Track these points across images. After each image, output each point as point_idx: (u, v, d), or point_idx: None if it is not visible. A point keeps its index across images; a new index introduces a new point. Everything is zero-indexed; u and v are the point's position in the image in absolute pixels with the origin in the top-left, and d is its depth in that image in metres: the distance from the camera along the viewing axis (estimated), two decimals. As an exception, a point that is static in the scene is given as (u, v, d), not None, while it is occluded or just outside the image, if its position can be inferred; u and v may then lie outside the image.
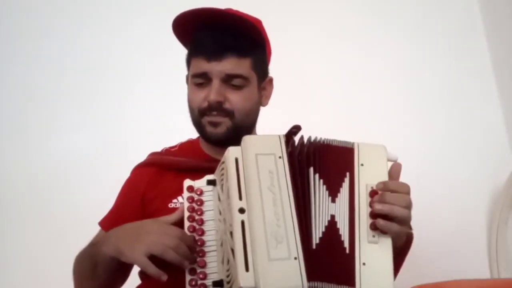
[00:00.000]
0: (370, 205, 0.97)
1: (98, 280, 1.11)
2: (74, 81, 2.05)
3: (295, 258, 0.87)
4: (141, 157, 1.34)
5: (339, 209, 0.97)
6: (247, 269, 0.86)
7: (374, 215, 0.96)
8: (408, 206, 0.97)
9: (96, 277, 1.10)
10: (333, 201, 0.98)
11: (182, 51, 1.27)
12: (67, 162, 1.97)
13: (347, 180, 1.00)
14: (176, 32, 1.23)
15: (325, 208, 0.97)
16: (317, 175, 0.99)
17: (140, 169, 1.30)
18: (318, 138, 1.04)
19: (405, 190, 0.98)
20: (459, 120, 2.20)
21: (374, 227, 0.95)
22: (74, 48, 2.07)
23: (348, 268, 0.92)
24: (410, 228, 1.04)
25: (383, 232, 0.95)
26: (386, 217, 0.94)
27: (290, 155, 0.99)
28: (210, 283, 0.96)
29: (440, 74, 2.23)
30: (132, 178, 1.30)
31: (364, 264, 0.92)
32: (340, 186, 0.99)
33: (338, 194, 0.99)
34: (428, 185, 2.00)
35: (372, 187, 0.98)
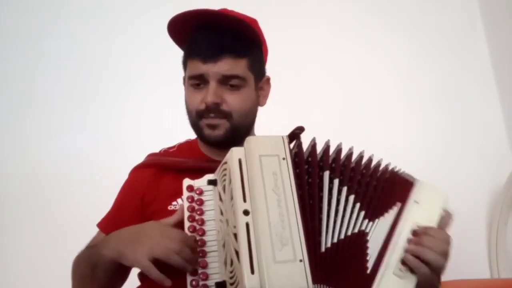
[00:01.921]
0: (409, 242, 0.98)
1: (97, 282, 1.10)
2: (74, 81, 2.05)
3: (301, 261, 0.87)
4: (141, 157, 1.33)
5: (376, 230, 0.99)
6: (252, 271, 0.85)
7: (408, 252, 0.97)
8: (443, 254, 0.97)
9: (95, 279, 1.09)
10: (370, 219, 1.00)
11: (182, 51, 1.27)
12: (67, 162, 1.96)
13: (395, 209, 1.02)
14: (171, 34, 1.22)
15: (351, 218, 0.98)
16: (336, 180, 1.00)
17: (139, 170, 1.29)
18: (385, 164, 1.08)
19: (444, 238, 0.99)
20: (459, 120, 2.20)
21: (404, 262, 0.96)
22: (74, 48, 2.07)
23: (363, 287, 0.93)
24: (439, 281, 1.03)
25: (411, 270, 0.95)
26: (419, 258, 0.95)
27: (296, 156, 0.98)
28: (213, 284, 0.96)
29: (440, 74, 2.23)
30: (131, 180, 1.29)
31: None
32: (386, 211, 1.02)
33: (381, 217, 1.01)
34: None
35: (417, 226, 1.00)
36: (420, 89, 2.21)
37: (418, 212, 1.02)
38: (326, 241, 0.94)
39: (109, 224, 1.22)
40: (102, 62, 2.06)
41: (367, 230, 0.99)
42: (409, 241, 0.98)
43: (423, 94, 2.20)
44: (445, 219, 1.04)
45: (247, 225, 0.89)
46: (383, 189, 1.05)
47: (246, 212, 0.90)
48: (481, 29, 2.31)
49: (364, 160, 1.07)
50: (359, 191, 1.01)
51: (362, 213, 1.00)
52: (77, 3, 2.12)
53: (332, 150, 1.05)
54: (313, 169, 0.99)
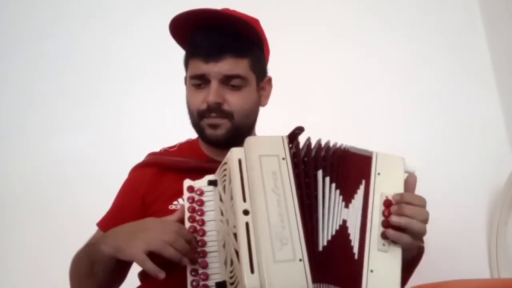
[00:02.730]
0: (383, 214, 0.98)
1: (96, 279, 1.11)
2: (74, 81, 2.05)
3: (300, 260, 0.87)
4: (141, 157, 1.34)
5: (352, 215, 0.98)
6: (252, 271, 0.85)
7: (386, 224, 0.96)
8: (425, 221, 0.97)
9: (94, 276, 1.10)
10: (347, 206, 0.99)
11: (183, 51, 1.27)
12: (67, 162, 1.97)
13: (362, 187, 1.01)
14: (173, 33, 1.23)
15: (337, 212, 0.97)
16: (327, 178, 0.99)
17: (139, 169, 1.29)
18: (339, 144, 1.05)
19: (422, 203, 0.98)
20: (459, 120, 2.20)
21: (385, 236, 0.95)
22: (74, 48, 2.07)
23: (355, 274, 0.92)
24: (422, 241, 1.04)
25: (393, 241, 0.95)
26: (398, 228, 0.95)
27: (294, 156, 0.98)
28: (213, 284, 0.96)
29: (440, 74, 2.23)
30: (132, 179, 1.29)
31: (372, 271, 0.93)
32: (355, 192, 1.00)
33: (352, 200, 0.99)
34: (428, 185, 2.00)
35: (386, 197, 0.99)
36: (420, 89, 2.21)
37: (383, 183, 1.01)
38: (323, 239, 0.94)
39: (108, 223, 1.22)
40: (102, 62, 2.06)
41: (346, 218, 0.98)
42: (383, 213, 0.97)
43: (423, 94, 2.20)
44: (410, 179, 1.02)
45: (247, 225, 0.89)
46: (350, 172, 1.03)
47: (246, 212, 0.90)
48: (481, 29, 2.31)
49: (330, 146, 1.05)
50: (341, 184, 1.01)
51: (343, 204, 0.99)
52: (77, 3, 2.12)
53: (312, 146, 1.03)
54: (309, 169, 0.99)
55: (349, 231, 0.96)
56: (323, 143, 1.05)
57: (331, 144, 1.05)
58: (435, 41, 2.25)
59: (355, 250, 0.95)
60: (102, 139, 1.99)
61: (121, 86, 2.05)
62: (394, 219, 0.95)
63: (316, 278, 0.88)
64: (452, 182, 2.06)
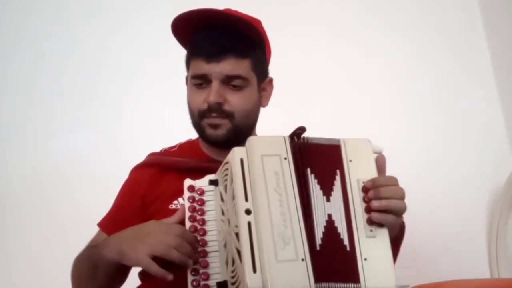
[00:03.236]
0: (364, 200, 0.97)
1: (97, 282, 1.11)
2: (74, 81, 2.05)
3: (302, 260, 0.88)
4: (141, 157, 1.33)
5: (335, 207, 0.97)
6: (254, 271, 0.85)
7: (369, 210, 0.96)
8: (403, 197, 0.98)
9: (95, 279, 1.10)
10: (328, 200, 0.97)
11: (183, 51, 1.27)
12: (67, 162, 1.97)
13: (338, 177, 1.00)
14: (175, 33, 1.23)
15: (322, 208, 0.97)
16: (312, 175, 0.99)
17: (139, 169, 1.29)
18: (306, 138, 1.03)
19: (395, 183, 0.99)
20: (459, 120, 2.20)
21: (370, 222, 0.96)
22: (74, 48, 2.07)
23: (351, 265, 0.93)
24: (402, 218, 1.05)
25: (379, 225, 0.96)
26: (380, 210, 0.95)
27: (294, 156, 0.98)
28: (214, 284, 0.96)
29: (440, 74, 2.23)
30: (132, 179, 1.29)
31: (365, 259, 0.93)
32: (333, 184, 0.99)
33: (332, 193, 0.98)
34: (428, 185, 2.00)
35: (363, 182, 0.99)
36: (420, 89, 2.21)
37: (357, 168, 1.00)
38: (318, 238, 0.94)
39: (109, 223, 1.22)
40: (102, 62, 2.06)
41: (330, 212, 0.97)
42: (364, 199, 0.97)
43: (423, 94, 2.20)
44: (379, 160, 1.02)
45: (249, 224, 0.89)
46: (324, 164, 1.01)
47: (248, 212, 0.90)
48: (481, 29, 2.31)
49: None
50: (321, 178, 0.99)
51: (324, 198, 0.98)
52: (77, 3, 2.12)
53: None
54: (304, 168, 0.98)
55: (336, 224, 0.96)
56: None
57: (303, 140, 1.03)
58: (435, 41, 2.25)
59: (346, 242, 0.95)
60: (102, 139, 1.99)
61: (121, 86, 2.05)
62: (374, 204, 0.95)
63: (318, 278, 0.88)
64: (452, 182, 2.06)
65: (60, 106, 2.03)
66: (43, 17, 2.09)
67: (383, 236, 0.95)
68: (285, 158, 0.97)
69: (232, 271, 0.92)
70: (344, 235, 0.95)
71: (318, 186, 0.98)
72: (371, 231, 0.95)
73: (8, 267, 1.86)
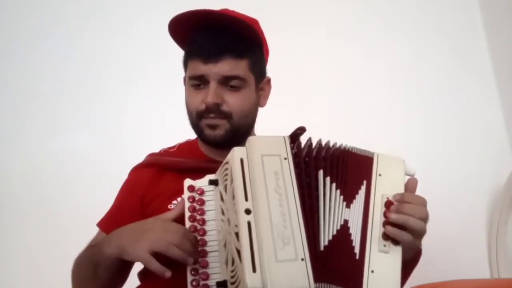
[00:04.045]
0: (385, 215, 0.98)
1: (99, 281, 1.11)
2: (75, 81, 2.05)
3: (302, 260, 0.88)
4: (141, 157, 1.34)
5: (353, 215, 0.99)
6: (254, 270, 0.86)
7: (387, 224, 0.97)
8: (424, 219, 0.98)
9: (97, 278, 1.10)
10: (348, 206, 0.99)
11: (182, 51, 1.27)
12: (67, 162, 1.97)
13: (363, 188, 1.02)
14: (172, 34, 1.23)
15: (338, 212, 0.98)
16: (328, 178, 1.00)
17: (139, 170, 1.29)
18: (339, 144, 1.06)
19: (421, 203, 0.99)
20: (459, 120, 2.20)
21: (386, 237, 0.96)
22: (75, 48, 2.07)
23: (357, 274, 0.93)
24: (421, 243, 1.05)
25: (394, 240, 0.96)
26: (399, 226, 0.96)
27: (296, 156, 0.99)
28: (213, 284, 0.96)
29: (440, 74, 2.23)
30: (131, 179, 1.29)
31: (372, 271, 0.93)
32: (356, 193, 1.01)
33: (354, 201, 1.00)
34: (428, 185, 2.00)
35: (387, 198, 1.00)
36: (420, 89, 2.21)
37: (384, 184, 1.02)
38: (324, 239, 0.95)
39: (108, 224, 1.22)
40: (102, 62, 2.06)
41: (348, 218, 0.98)
42: (385, 214, 0.98)
43: (423, 94, 2.20)
44: (411, 182, 1.04)
45: (249, 224, 0.89)
46: (351, 172, 1.03)
47: (248, 211, 0.90)
48: (481, 29, 2.31)
49: (329, 146, 1.06)
50: (342, 184, 1.01)
51: (344, 204, 1.00)
52: (77, 3, 2.12)
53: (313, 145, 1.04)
54: (310, 169, 1.00)
55: (351, 231, 0.97)
56: (323, 143, 1.05)
57: (331, 144, 1.06)
58: (435, 41, 2.25)
59: (356, 250, 0.95)
60: (102, 139, 1.99)
61: (121, 86, 2.05)
62: (392, 216, 0.96)
63: (317, 278, 0.88)
64: (452, 182, 2.06)
65: (60, 106, 2.03)
66: (43, 17, 2.09)
67: (395, 254, 0.96)
68: (285, 158, 0.97)
69: (232, 271, 0.92)
70: (356, 243, 0.96)
71: (338, 191, 0.99)
72: (384, 246, 0.96)
73: (8, 267, 1.86)
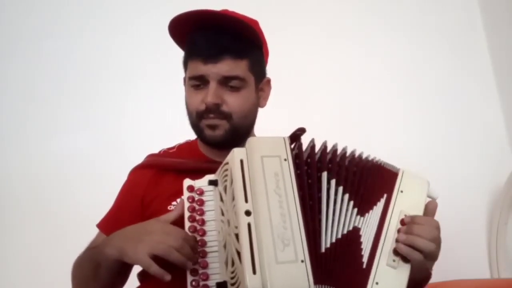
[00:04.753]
0: (399, 231, 0.99)
1: (99, 282, 1.10)
2: (75, 81, 2.05)
3: (302, 261, 0.87)
4: (141, 157, 1.33)
5: (367, 224, 0.99)
6: (254, 272, 0.85)
7: (400, 242, 0.97)
8: (434, 240, 0.98)
9: (98, 279, 1.09)
10: (361, 214, 1.00)
11: (182, 51, 1.26)
12: (67, 162, 1.97)
13: (382, 201, 1.03)
14: (172, 34, 1.22)
15: (346, 216, 0.98)
16: (333, 181, 1.00)
17: (138, 171, 1.29)
18: (366, 155, 1.08)
19: (433, 225, 0.99)
20: (459, 120, 2.21)
21: (396, 253, 0.96)
22: (75, 48, 2.07)
23: (360, 282, 0.93)
24: (431, 268, 1.05)
25: (404, 258, 0.96)
26: (411, 247, 0.96)
27: (297, 157, 0.99)
28: (213, 284, 0.96)
29: (440, 74, 2.24)
30: (131, 180, 1.29)
31: (377, 283, 0.94)
32: (374, 204, 1.02)
33: (370, 211, 1.01)
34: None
35: (405, 215, 1.00)
36: (420, 89, 2.21)
37: (404, 201, 1.03)
38: (326, 241, 0.94)
39: (108, 225, 1.21)
40: (102, 62, 2.06)
41: (360, 226, 0.99)
42: (399, 230, 0.99)
43: (423, 94, 2.20)
44: (431, 204, 1.04)
45: (249, 225, 0.89)
46: (371, 183, 1.05)
47: (247, 213, 0.90)
48: (481, 29, 2.31)
49: (349, 154, 1.07)
50: (352, 189, 1.02)
51: (355, 211, 1.00)
52: (77, 3, 2.12)
53: (328, 150, 1.05)
54: (312, 170, 1.00)
55: (362, 239, 0.98)
56: (329, 146, 1.05)
57: (363, 156, 1.08)
58: (435, 41, 2.25)
59: (364, 259, 0.96)
60: (102, 139, 1.99)
61: (121, 86, 2.05)
62: (401, 237, 0.97)
63: (317, 280, 0.88)
64: (452, 182, 2.06)
65: (60, 106, 2.03)
66: (43, 17, 2.09)
67: (403, 271, 0.96)
68: (285, 159, 0.97)
69: (232, 272, 0.91)
70: (365, 252, 0.96)
71: (346, 195, 1.00)
72: (393, 261, 0.96)
73: (8, 267, 1.86)
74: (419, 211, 1.02)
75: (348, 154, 1.07)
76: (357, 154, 1.08)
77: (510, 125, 2.22)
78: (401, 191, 1.04)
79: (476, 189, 2.12)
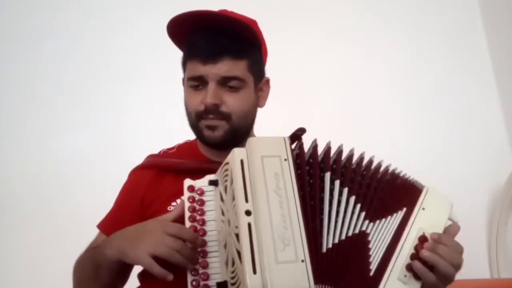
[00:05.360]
0: (415, 247, 0.98)
1: (100, 282, 1.10)
2: (74, 81, 2.05)
3: (302, 261, 0.87)
4: (141, 157, 1.33)
5: (378, 232, 0.99)
6: (254, 272, 0.85)
7: (414, 258, 0.97)
8: (456, 266, 0.97)
9: (98, 279, 1.09)
10: (371, 219, 0.99)
11: (182, 52, 1.27)
12: (67, 162, 1.97)
13: (401, 213, 1.02)
14: (171, 35, 1.22)
15: (352, 219, 0.98)
16: (337, 182, 1.00)
17: (138, 171, 1.28)
18: (392, 168, 1.08)
19: (458, 249, 0.98)
20: (459, 120, 2.21)
21: (409, 268, 0.96)
22: (74, 48, 2.07)
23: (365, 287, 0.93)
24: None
25: (416, 275, 0.95)
26: (426, 264, 0.95)
27: (298, 157, 0.99)
28: (214, 284, 0.96)
29: (440, 74, 2.24)
30: (131, 181, 1.29)
31: None
32: (389, 213, 1.02)
33: (383, 219, 1.01)
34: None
35: (423, 232, 1.00)
36: (420, 89, 2.21)
37: (425, 218, 1.02)
38: (327, 241, 0.94)
39: (109, 225, 1.21)
40: (102, 62, 2.06)
41: (368, 231, 0.99)
42: (415, 247, 0.98)
43: (423, 94, 2.20)
44: (453, 227, 1.03)
45: (249, 225, 0.89)
46: (384, 190, 1.05)
47: (248, 213, 0.90)
48: (481, 29, 2.31)
49: (365, 161, 1.07)
50: (360, 192, 1.01)
51: (363, 214, 1.00)
52: (77, 3, 2.12)
53: (333, 151, 1.05)
54: (314, 170, 0.99)
55: (370, 246, 0.97)
56: (334, 148, 1.05)
57: (383, 167, 1.08)
58: (435, 41, 2.25)
59: (372, 267, 0.95)
60: (102, 139, 1.99)
61: (121, 86, 2.05)
62: (425, 253, 0.95)
63: (318, 280, 0.88)
64: (452, 182, 2.06)
65: (60, 106, 2.03)
66: (43, 17, 2.09)
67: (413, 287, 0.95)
68: (285, 159, 0.96)
69: (232, 272, 0.91)
70: (375, 260, 0.96)
71: (352, 197, 0.99)
72: (405, 276, 0.95)
73: (8, 267, 1.86)
74: (439, 230, 1.01)
75: (356, 157, 1.06)
76: (375, 162, 1.07)
77: (510, 125, 2.22)
78: (423, 208, 1.04)
79: (476, 189, 2.12)
